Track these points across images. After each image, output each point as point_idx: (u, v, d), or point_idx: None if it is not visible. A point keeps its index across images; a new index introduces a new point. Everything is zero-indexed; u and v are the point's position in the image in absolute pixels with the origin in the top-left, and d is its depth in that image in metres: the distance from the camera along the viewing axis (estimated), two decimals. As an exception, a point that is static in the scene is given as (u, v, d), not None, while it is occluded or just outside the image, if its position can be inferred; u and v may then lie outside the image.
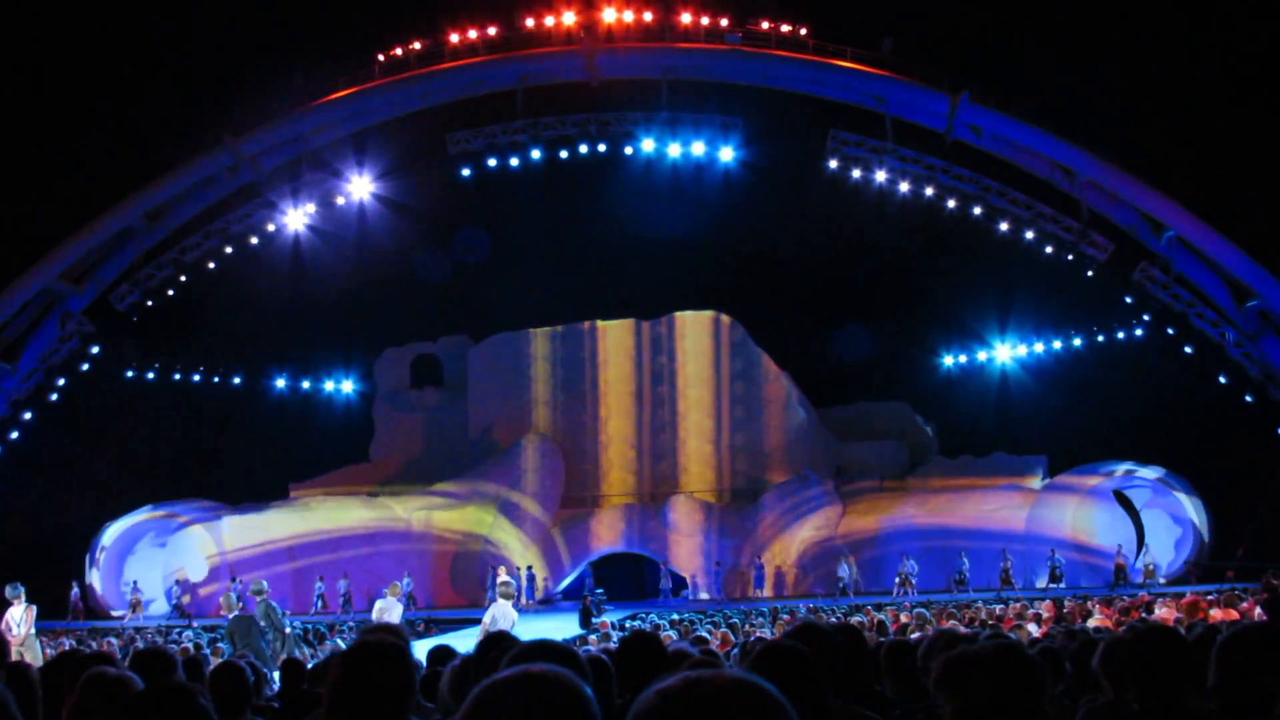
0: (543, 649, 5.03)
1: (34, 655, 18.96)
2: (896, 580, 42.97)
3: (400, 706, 4.07)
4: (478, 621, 23.33)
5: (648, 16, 45.43)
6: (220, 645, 20.28)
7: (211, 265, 46.97)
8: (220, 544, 47.69)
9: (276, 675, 12.34)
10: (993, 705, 3.73)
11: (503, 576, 22.64)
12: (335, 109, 46.01)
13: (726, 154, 45.52)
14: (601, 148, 46.20)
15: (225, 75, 47.79)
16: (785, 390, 52.65)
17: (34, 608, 20.66)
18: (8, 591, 20.33)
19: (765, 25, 45.19)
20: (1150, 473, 45.83)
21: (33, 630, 20.27)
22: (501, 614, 20.35)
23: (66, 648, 20.35)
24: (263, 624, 19.88)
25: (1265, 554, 37.16)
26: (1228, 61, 44.88)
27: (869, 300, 51.89)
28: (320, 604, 44.44)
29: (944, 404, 55.21)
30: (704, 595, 45.75)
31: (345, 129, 46.36)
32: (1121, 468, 46.27)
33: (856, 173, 45.23)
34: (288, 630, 20.98)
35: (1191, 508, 45.27)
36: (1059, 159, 43.85)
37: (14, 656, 18.16)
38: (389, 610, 23.40)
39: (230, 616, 20.00)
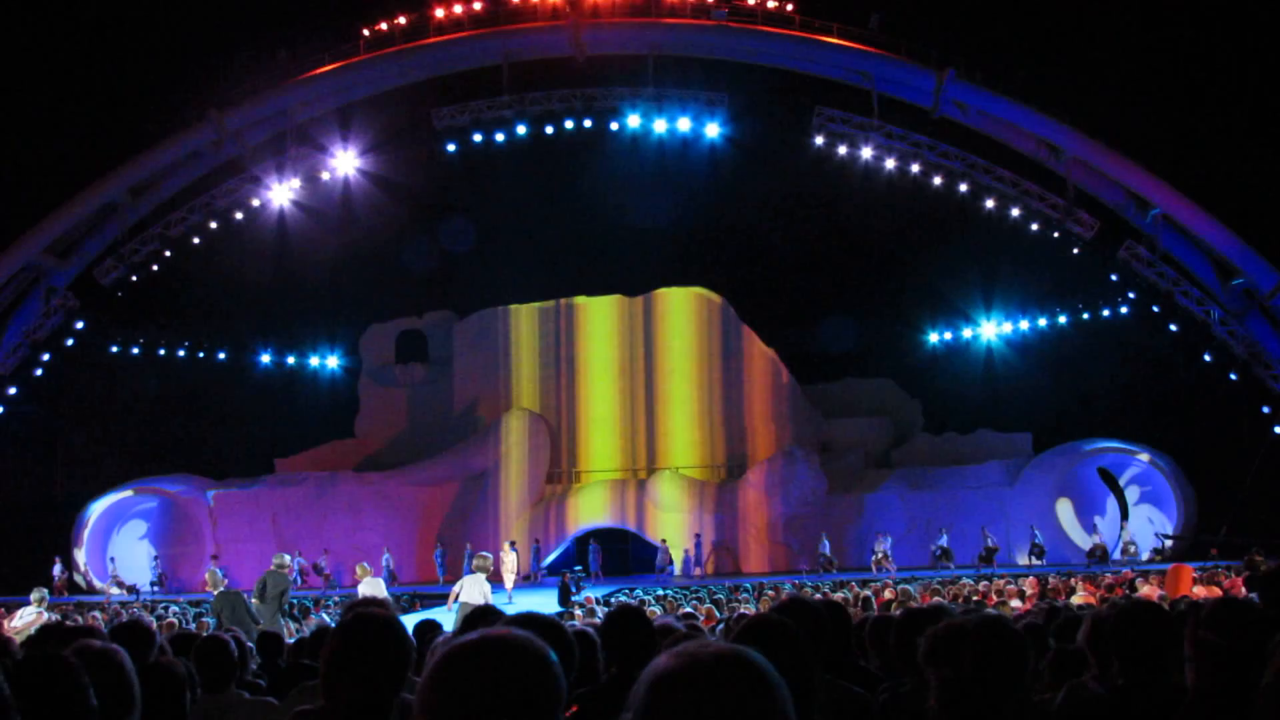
0: (530, 621, 5.04)
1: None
2: (873, 559, 43.09)
3: (396, 678, 4.09)
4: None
5: (634, -9, 45.38)
6: (206, 620, 20.31)
7: (196, 240, 46.81)
8: (205, 519, 47.83)
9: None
10: (978, 677, 3.75)
11: (480, 556, 22.55)
12: (320, 84, 45.85)
13: (712, 130, 45.41)
14: (587, 123, 46.10)
15: (210, 50, 47.76)
16: (770, 366, 52.71)
17: (45, 615, 20.74)
18: (33, 594, 20.43)
19: (751, 1, 45.10)
20: (1135, 450, 45.91)
21: (31, 622, 20.27)
22: (470, 583, 20.51)
23: (52, 621, 20.35)
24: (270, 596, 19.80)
25: (1249, 531, 37.29)
26: (1215, 40, 44.89)
27: (854, 277, 51.86)
28: (300, 579, 44.39)
29: (929, 381, 55.22)
30: (696, 571, 45.75)
31: (330, 104, 46.24)
32: (1106, 445, 46.37)
33: (842, 149, 45.15)
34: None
35: (1175, 485, 45.33)
36: (1045, 136, 43.89)
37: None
38: (374, 589, 23.35)
39: (215, 593, 19.95)
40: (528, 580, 44.12)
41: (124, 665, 4.32)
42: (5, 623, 20.34)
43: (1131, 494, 47.32)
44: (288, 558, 21.23)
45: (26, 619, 20.18)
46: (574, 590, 34.74)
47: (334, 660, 3.97)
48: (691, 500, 48.01)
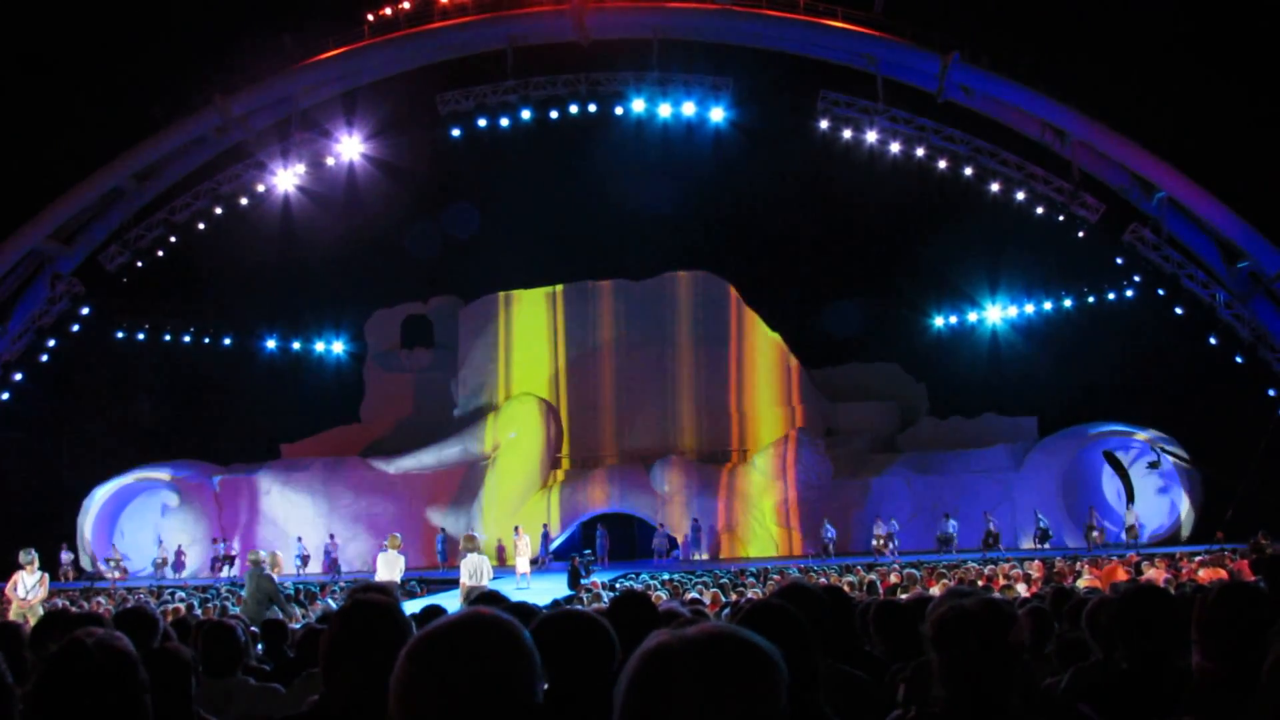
0: (517, 609, 5.06)
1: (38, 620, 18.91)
2: (873, 543, 43.13)
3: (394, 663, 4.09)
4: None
5: (638, -25, 45.28)
6: (211, 605, 20.30)
7: (201, 226, 46.84)
8: (211, 504, 47.95)
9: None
10: (980, 658, 3.77)
11: (466, 537, 22.53)
12: (325, 69, 45.79)
13: (717, 114, 45.31)
14: (592, 108, 45.98)
15: (215, 35, 47.66)
16: (776, 351, 52.71)
17: (46, 576, 20.71)
18: (21, 556, 20.35)
19: (755, -16, 45.01)
20: (1141, 433, 45.87)
21: (43, 596, 20.21)
22: (476, 566, 20.52)
23: (58, 607, 20.34)
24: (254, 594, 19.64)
25: (1254, 515, 37.29)
26: (1220, 23, 44.74)
27: (859, 261, 51.87)
28: (301, 565, 44.45)
29: (935, 365, 55.26)
30: (698, 556, 45.82)
31: (335, 89, 46.18)
32: (1112, 428, 46.34)
33: (847, 133, 45.06)
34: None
35: (1182, 468, 45.30)
36: (1050, 120, 43.81)
37: (13, 616, 18.28)
38: (393, 564, 23.32)
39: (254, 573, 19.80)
40: (535, 565, 44.17)
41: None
42: (11, 594, 20.24)
43: (1137, 477, 47.35)
44: (263, 553, 20.79)
45: (35, 589, 20.13)
46: (584, 574, 34.81)
47: (333, 647, 3.97)
48: (698, 485, 48.03)
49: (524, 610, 5.39)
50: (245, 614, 17.15)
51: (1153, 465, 44.06)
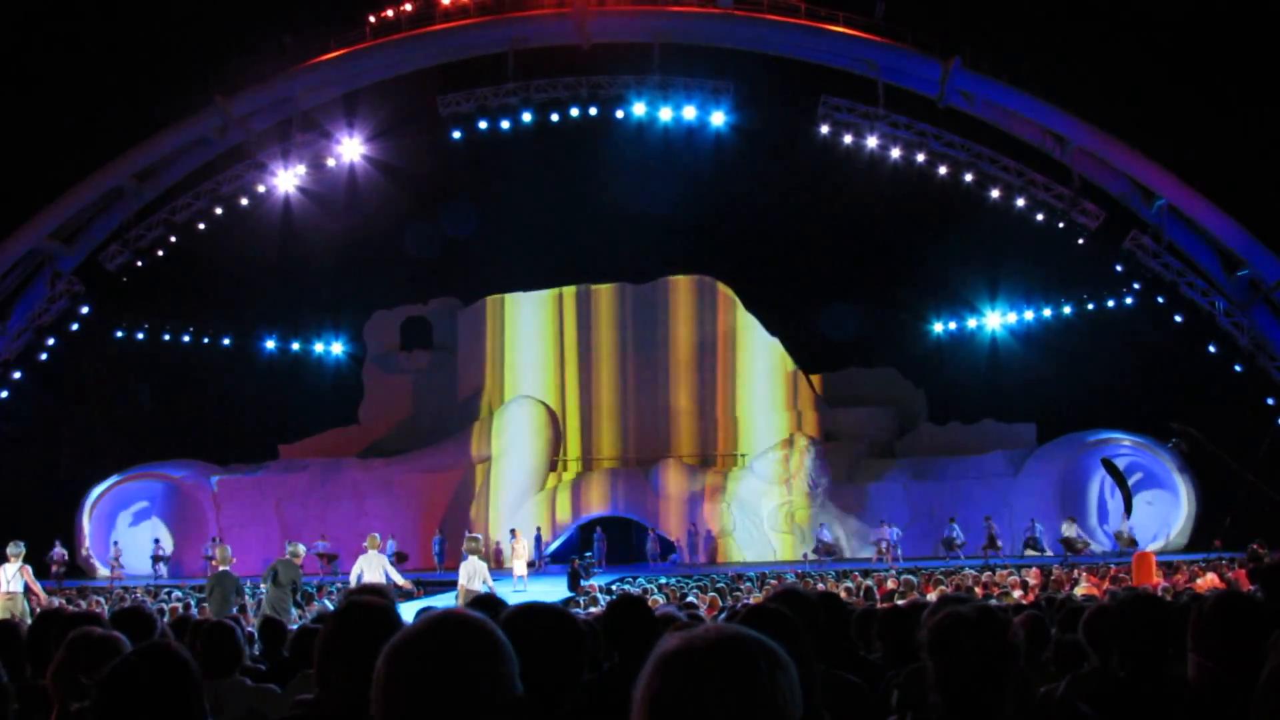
0: (532, 611, 5.05)
1: (22, 612, 19.01)
2: (875, 554, 43.02)
3: None
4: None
5: (640, -21, 45.30)
6: (206, 605, 20.32)
7: (201, 226, 46.83)
8: (209, 505, 47.89)
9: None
10: (976, 665, 3.77)
11: (470, 538, 22.57)
12: (326, 70, 45.79)
13: (718, 118, 45.34)
14: (593, 111, 45.98)
15: (216, 35, 47.62)
16: (774, 355, 52.71)
17: (29, 567, 20.73)
18: (10, 549, 20.38)
19: (757, -11, 45.03)
20: (1139, 441, 45.82)
21: (20, 588, 20.25)
22: (474, 569, 20.58)
23: (54, 606, 20.36)
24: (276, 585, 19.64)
25: (1252, 524, 37.26)
26: (1219, 30, 44.75)
27: (859, 266, 51.77)
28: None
29: (933, 371, 55.23)
30: (692, 560, 45.85)
31: (336, 90, 46.17)
32: (1110, 436, 46.31)
33: (848, 138, 45.07)
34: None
35: (1179, 476, 45.24)
36: (1051, 126, 43.82)
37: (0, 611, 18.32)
38: (374, 564, 23.28)
39: (219, 570, 19.91)
40: (531, 567, 44.15)
41: (123, 651, 4.33)
42: None
43: (1135, 484, 47.34)
44: (301, 547, 21.23)
45: (14, 580, 20.17)
46: (584, 576, 34.83)
47: (327, 648, 3.99)
48: (695, 489, 48.03)
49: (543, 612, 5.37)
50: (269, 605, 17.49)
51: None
